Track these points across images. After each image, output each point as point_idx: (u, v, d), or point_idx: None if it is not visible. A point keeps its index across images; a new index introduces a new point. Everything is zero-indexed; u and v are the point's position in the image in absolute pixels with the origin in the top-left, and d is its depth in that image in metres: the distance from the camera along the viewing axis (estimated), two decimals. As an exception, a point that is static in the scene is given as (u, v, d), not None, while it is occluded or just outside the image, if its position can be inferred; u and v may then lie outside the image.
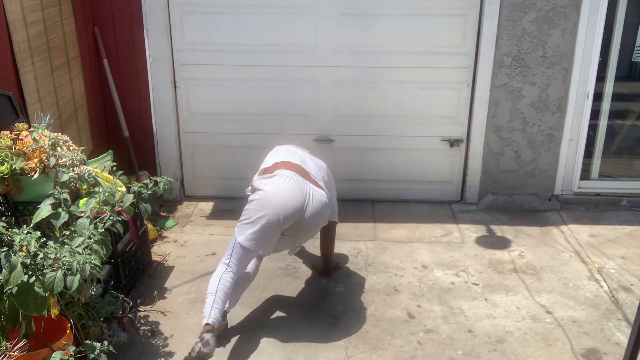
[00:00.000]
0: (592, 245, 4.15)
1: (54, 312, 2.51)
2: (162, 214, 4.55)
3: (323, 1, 4.33)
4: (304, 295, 3.58)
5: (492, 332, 3.23)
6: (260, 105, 4.61)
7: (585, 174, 4.72)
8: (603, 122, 4.68)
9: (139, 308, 3.21)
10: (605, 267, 3.87)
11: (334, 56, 4.47)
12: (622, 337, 3.18)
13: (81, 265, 2.41)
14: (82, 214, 2.71)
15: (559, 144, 4.55)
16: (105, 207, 2.76)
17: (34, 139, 2.80)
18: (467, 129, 4.63)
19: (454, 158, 4.73)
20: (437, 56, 4.45)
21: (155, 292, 3.53)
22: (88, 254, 2.48)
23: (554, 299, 3.53)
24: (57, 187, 2.77)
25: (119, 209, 2.81)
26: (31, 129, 2.88)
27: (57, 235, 2.67)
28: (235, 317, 3.30)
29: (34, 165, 2.75)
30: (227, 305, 3.17)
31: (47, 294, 2.39)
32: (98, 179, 3.11)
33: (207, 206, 4.72)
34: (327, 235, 3.61)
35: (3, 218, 2.71)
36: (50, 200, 2.68)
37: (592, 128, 4.62)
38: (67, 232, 2.64)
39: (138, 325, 3.18)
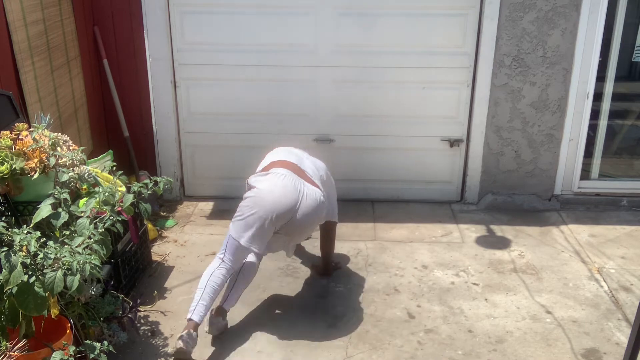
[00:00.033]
0: (592, 245, 4.15)
1: (54, 312, 2.51)
2: (162, 214, 4.55)
3: (323, 1, 4.33)
4: (303, 295, 3.58)
5: (492, 332, 3.23)
6: (260, 105, 4.61)
7: (585, 174, 4.72)
8: (603, 122, 4.68)
9: (139, 308, 3.22)
10: (605, 267, 3.87)
11: (334, 56, 4.47)
12: (622, 337, 3.18)
13: (81, 265, 2.41)
14: (82, 214, 2.71)
15: (559, 144, 4.55)
16: (105, 207, 2.76)
17: (34, 139, 2.80)
18: (467, 129, 4.63)
19: (454, 158, 4.73)
20: (437, 56, 4.45)
21: (155, 292, 3.53)
22: (88, 254, 2.48)
23: (554, 299, 3.53)
24: (57, 187, 2.77)
25: (119, 209, 2.81)
26: (31, 129, 2.88)
27: (57, 235, 2.67)
28: (235, 316, 3.31)
29: (34, 165, 2.75)
30: (228, 305, 3.18)
31: (47, 294, 2.39)
32: (98, 179, 3.11)
33: (207, 206, 4.72)
34: (327, 236, 3.61)
35: (3, 218, 2.71)
36: (50, 200, 2.68)
37: (592, 128, 4.62)
38: (67, 232, 2.64)
39: (138, 325, 3.18)
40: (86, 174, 3.01)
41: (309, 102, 4.60)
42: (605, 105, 4.62)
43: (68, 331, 2.65)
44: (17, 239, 2.39)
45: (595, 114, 4.59)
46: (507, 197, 4.70)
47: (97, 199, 2.77)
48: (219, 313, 3.14)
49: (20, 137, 2.82)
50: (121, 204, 2.83)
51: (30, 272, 2.38)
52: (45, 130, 2.90)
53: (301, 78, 4.54)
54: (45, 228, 2.68)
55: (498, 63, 4.36)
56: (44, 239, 2.54)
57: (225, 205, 4.65)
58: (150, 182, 2.97)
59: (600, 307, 3.46)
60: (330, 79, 4.53)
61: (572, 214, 4.59)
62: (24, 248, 2.42)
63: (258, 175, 3.19)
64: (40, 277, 2.38)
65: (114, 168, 3.37)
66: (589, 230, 4.36)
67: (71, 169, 2.92)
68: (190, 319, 2.98)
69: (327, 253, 3.70)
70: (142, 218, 3.56)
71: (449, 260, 3.96)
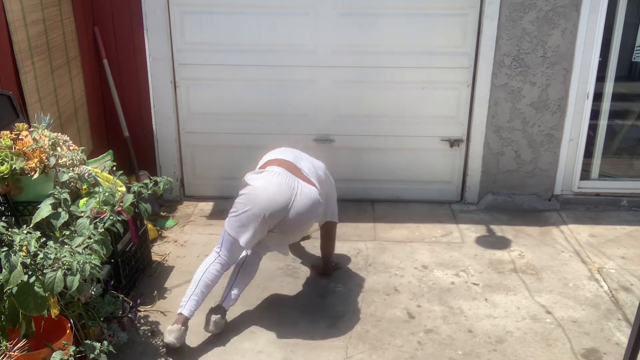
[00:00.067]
0: (592, 245, 4.15)
1: (54, 312, 2.51)
2: (162, 214, 4.55)
3: (323, 1, 4.33)
4: (303, 295, 3.58)
5: (492, 332, 3.23)
6: (260, 105, 4.61)
7: (585, 174, 4.72)
8: (603, 122, 4.68)
9: (139, 308, 3.22)
10: (605, 267, 3.87)
11: (334, 56, 4.47)
12: (622, 337, 3.18)
13: (81, 265, 2.41)
14: (82, 214, 2.71)
15: (559, 144, 4.55)
16: (105, 207, 2.76)
17: (34, 139, 2.80)
18: (467, 129, 4.63)
19: (453, 158, 4.73)
20: (437, 56, 4.45)
21: (155, 292, 3.53)
22: (88, 254, 2.48)
23: (554, 299, 3.53)
24: (57, 187, 2.77)
25: (119, 209, 2.81)
26: (31, 129, 2.88)
27: (57, 235, 2.67)
28: (235, 316, 3.31)
29: (34, 165, 2.75)
30: (228, 304, 3.18)
31: (47, 294, 2.39)
32: (98, 179, 3.11)
33: (207, 206, 4.72)
34: (327, 236, 3.61)
35: (3, 218, 2.71)
36: (50, 200, 2.68)
37: (592, 128, 4.62)
38: (67, 232, 2.64)
39: (138, 325, 3.18)
40: (86, 174, 3.01)
41: (309, 102, 4.60)
42: (605, 105, 4.62)
43: (68, 331, 2.65)
44: (17, 239, 2.39)
45: (595, 114, 4.59)
46: (507, 197, 4.70)
47: (97, 199, 2.77)
48: (219, 312, 3.14)
49: (20, 137, 2.82)
50: (121, 204, 2.83)
51: (30, 272, 2.38)
52: (45, 130, 2.90)
53: (301, 78, 4.54)
54: (45, 228, 2.68)
55: (498, 63, 4.36)
56: (44, 239, 2.54)
57: (225, 205, 4.63)
58: (150, 182, 2.97)
59: (600, 307, 3.46)
60: (330, 79, 4.53)
61: (572, 214, 4.59)
62: (24, 248, 2.42)
63: (253, 173, 3.22)
64: (40, 277, 2.38)
65: (114, 168, 3.37)
66: (589, 230, 4.36)
67: (71, 169, 2.92)
68: (180, 314, 3.07)
69: (327, 253, 3.70)
70: (142, 218, 3.56)
71: (449, 260, 3.96)
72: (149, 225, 4.04)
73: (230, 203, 3.21)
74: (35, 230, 2.51)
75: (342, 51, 4.45)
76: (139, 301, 3.20)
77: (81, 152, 2.97)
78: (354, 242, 4.18)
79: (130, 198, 2.86)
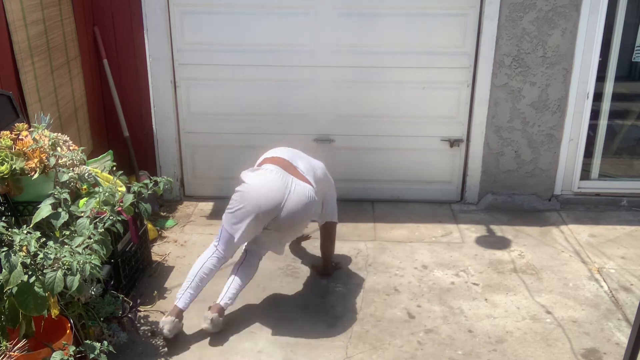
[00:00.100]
0: (592, 245, 4.15)
1: (54, 312, 2.51)
2: (162, 214, 4.55)
3: (323, 1, 4.33)
4: (303, 295, 3.58)
5: (492, 332, 3.23)
6: (260, 105, 4.61)
7: (585, 174, 4.72)
8: (603, 122, 4.68)
9: (139, 308, 3.22)
10: (605, 267, 3.87)
11: (334, 56, 4.47)
12: (622, 337, 3.18)
13: (81, 265, 2.41)
14: (82, 214, 2.71)
15: (559, 144, 4.55)
16: (105, 207, 2.76)
17: (34, 139, 2.80)
18: (467, 129, 4.63)
19: (453, 158, 4.73)
20: (437, 56, 4.45)
21: (155, 292, 3.54)
22: (88, 254, 2.49)
23: (554, 299, 3.53)
24: (57, 187, 2.77)
25: (119, 209, 2.82)
26: (31, 129, 2.88)
27: (57, 235, 2.67)
28: (235, 316, 3.31)
29: (34, 165, 2.75)
30: (226, 303, 3.19)
31: (47, 294, 2.39)
32: (98, 179, 3.11)
33: (207, 206, 4.72)
34: (327, 236, 3.62)
35: (3, 218, 2.71)
36: (50, 200, 2.68)
37: (592, 128, 4.62)
38: (67, 232, 2.64)
39: (138, 325, 3.18)
40: (86, 174, 3.01)
41: (308, 102, 4.60)
42: (605, 105, 4.62)
43: (68, 331, 2.65)
44: (17, 239, 2.39)
45: (595, 114, 4.59)
46: (507, 197, 4.70)
47: (97, 199, 2.77)
48: (217, 311, 3.14)
49: (20, 137, 2.82)
50: (121, 204, 2.84)
51: (30, 272, 2.38)
52: (45, 130, 2.90)
53: (301, 78, 4.54)
54: (45, 228, 2.68)
55: (498, 63, 4.36)
56: (44, 239, 2.54)
57: (225, 205, 4.60)
58: (150, 182, 2.98)
59: (600, 307, 3.46)
60: (330, 79, 4.53)
61: (572, 214, 4.59)
62: (24, 248, 2.42)
63: (249, 171, 3.24)
64: (40, 277, 2.38)
65: (114, 168, 3.37)
66: (589, 230, 4.36)
67: (71, 169, 2.92)
68: (175, 305, 3.13)
69: (327, 253, 3.70)
70: (142, 218, 3.56)
71: (449, 260, 3.96)
72: (149, 225, 4.04)
73: (231, 203, 3.22)
74: (35, 230, 2.51)
75: (342, 51, 4.45)
76: (139, 301, 3.20)
77: (81, 152, 2.97)
78: (354, 242, 4.18)
79: (130, 198, 2.86)
